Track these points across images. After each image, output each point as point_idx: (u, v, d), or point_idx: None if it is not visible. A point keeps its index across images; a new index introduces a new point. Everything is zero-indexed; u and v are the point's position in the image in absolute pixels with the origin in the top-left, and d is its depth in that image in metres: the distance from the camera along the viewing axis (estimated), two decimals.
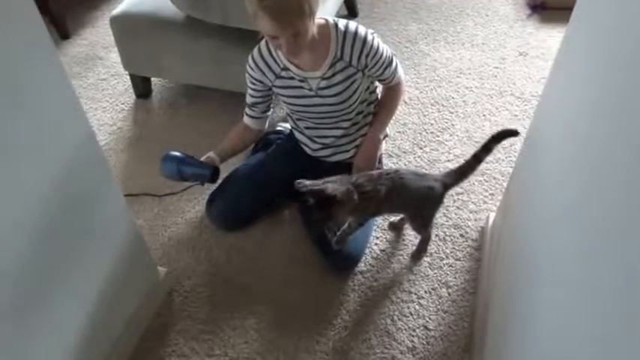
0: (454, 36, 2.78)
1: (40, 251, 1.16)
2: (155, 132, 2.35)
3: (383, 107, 1.85)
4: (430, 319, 1.69)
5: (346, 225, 1.69)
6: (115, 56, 2.71)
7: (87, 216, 1.31)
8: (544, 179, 1.20)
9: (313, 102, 1.73)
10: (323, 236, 1.76)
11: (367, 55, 1.63)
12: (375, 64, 1.67)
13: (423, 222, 1.74)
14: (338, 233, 1.71)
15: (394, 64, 1.75)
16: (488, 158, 2.09)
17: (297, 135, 1.92)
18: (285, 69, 1.68)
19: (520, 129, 1.70)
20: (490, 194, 2.02)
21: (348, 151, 1.86)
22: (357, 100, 1.73)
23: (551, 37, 2.72)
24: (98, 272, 1.41)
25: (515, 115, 2.33)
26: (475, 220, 1.94)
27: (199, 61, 2.21)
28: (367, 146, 1.81)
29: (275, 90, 1.76)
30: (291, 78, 1.70)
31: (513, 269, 1.34)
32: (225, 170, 2.15)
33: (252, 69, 1.73)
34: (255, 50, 1.70)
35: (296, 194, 1.96)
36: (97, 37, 2.92)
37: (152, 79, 2.53)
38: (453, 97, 2.43)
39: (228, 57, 2.12)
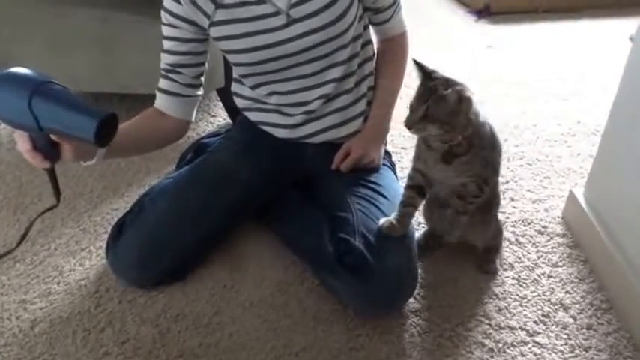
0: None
1: None
2: (9, 175, 1.43)
3: (385, 74, 1.17)
4: None
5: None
6: None
7: None
8: None
9: (284, 36, 1.02)
10: (346, 240, 0.97)
11: None
12: None
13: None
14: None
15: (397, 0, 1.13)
16: (514, 141, 1.49)
17: (255, 116, 1.17)
18: None
19: None
20: (544, 177, 1.37)
21: (353, 119, 1.14)
22: (351, 23, 1.04)
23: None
24: None
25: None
26: (545, 210, 1.26)
27: (73, 48, 1.47)
28: (367, 134, 1.15)
29: (214, 33, 1.04)
30: (243, 3, 1.00)
31: None
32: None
33: (176, 1, 1.01)
34: None
35: (266, 208, 1.19)
36: None
37: None
38: None
39: (119, 35, 1.45)
